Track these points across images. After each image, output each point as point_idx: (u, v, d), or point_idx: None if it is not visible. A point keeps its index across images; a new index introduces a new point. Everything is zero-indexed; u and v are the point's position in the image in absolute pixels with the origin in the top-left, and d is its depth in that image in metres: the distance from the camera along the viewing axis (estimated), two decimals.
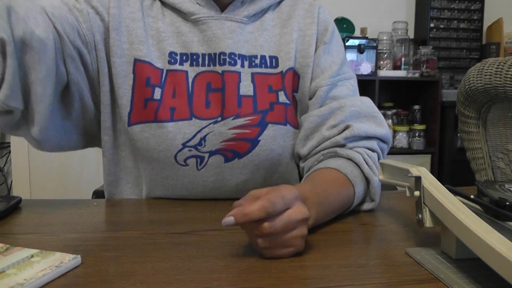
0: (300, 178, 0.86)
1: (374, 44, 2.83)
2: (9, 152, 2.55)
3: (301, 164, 0.82)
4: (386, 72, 2.85)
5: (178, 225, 0.67)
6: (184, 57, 0.79)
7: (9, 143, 2.53)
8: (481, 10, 3.03)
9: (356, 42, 2.79)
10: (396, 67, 2.91)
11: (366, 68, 2.81)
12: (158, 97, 0.76)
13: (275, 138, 0.79)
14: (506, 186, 0.62)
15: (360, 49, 2.79)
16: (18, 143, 2.37)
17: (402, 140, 2.90)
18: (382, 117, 0.81)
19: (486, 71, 1.02)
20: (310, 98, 0.83)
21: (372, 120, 0.79)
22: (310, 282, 0.47)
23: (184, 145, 0.77)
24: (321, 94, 0.81)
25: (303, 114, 0.83)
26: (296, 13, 0.85)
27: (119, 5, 0.78)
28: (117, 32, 0.77)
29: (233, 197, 0.79)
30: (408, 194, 0.59)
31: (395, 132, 2.92)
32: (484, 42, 3.13)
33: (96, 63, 0.77)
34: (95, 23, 0.76)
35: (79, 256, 0.50)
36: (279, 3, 0.87)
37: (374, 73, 2.83)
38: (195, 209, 0.76)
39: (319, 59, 0.83)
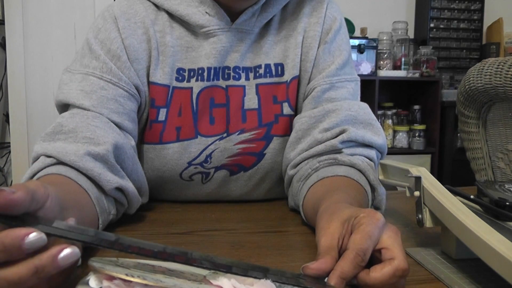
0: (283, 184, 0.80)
1: (374, 44, 2.83)
2: (9, 152, 2.55)
3: (291, 172, 0.74)
4: (386, 72, 2.85)
5: (178, 225, 0.67)
6: (192, 73, 0.75)
7: (9, 143, 2.53)
8: (481, 10, 3.03)
9: (356, 42, 2.78)
10: (396, 67, 2.91)
11: (366, 68, 2.81)
12: (163, 119, 0.74)
13: (280, 150, 0.78)
14: (506, 186, 0.62)
15: (360, 49, 2.79)
16: (18, 143, 2.37)
17: (402, 140, 2.90)
18: (379, 125, 0.76)
19: (486, 71, 1.02)
20: (305, 99, 0.78)
21: (368, 127, 0.73)
22: None
23: (189, 163, 0.76)
24: (316, 94, 0.76)
25: None
26: (302, 12, 0.78)
27: (130, 33, 0.73)
28: (137, 62, 0.74)
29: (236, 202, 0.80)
30: (408, 194, 0.59)
31: (395, 132, 2.92)
32: (484, 42, 3.13)
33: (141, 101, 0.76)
34: (130, 70, 0.73)
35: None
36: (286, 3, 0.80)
37: (374, 73, 2.83)
38: (195, 209, 0.76)
39: (318, 60, 0.77)
